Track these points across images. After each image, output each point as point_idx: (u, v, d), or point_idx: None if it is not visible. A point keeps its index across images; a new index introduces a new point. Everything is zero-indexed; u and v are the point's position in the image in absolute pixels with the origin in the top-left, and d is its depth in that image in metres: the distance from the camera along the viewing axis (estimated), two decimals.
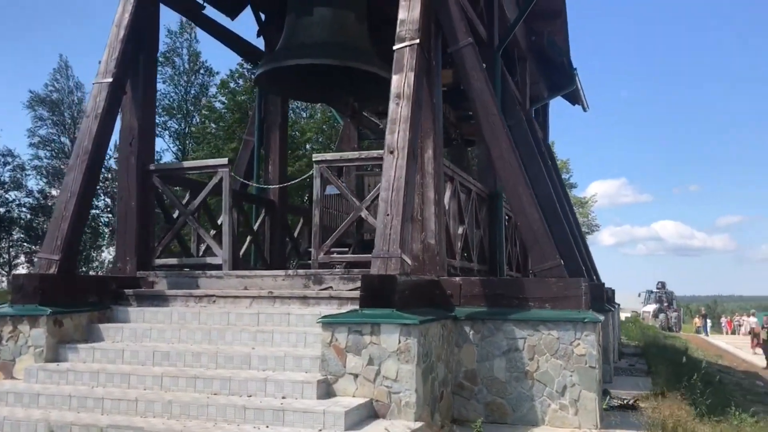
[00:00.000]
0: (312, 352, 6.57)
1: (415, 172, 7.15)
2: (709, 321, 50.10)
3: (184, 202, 9.46)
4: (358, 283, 7.68)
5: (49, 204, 56.04)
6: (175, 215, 9.70)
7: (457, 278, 7.62)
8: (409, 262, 6.73)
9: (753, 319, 32.77)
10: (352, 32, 9.82)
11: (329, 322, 6.25)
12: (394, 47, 7.47)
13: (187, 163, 9.87)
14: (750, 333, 29.66)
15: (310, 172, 8.47)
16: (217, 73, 35.86)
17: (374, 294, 6.29)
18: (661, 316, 47.73)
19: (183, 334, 7.27)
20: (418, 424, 5.79)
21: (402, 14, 7.58)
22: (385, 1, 10.89)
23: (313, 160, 8.41)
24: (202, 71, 31.12)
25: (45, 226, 57.54)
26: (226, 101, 25.79)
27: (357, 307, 7.05)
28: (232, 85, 25.86)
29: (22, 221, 57.19)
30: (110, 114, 8.33)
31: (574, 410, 6.80)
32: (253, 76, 27.22)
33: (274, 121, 12.12)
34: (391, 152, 6.94)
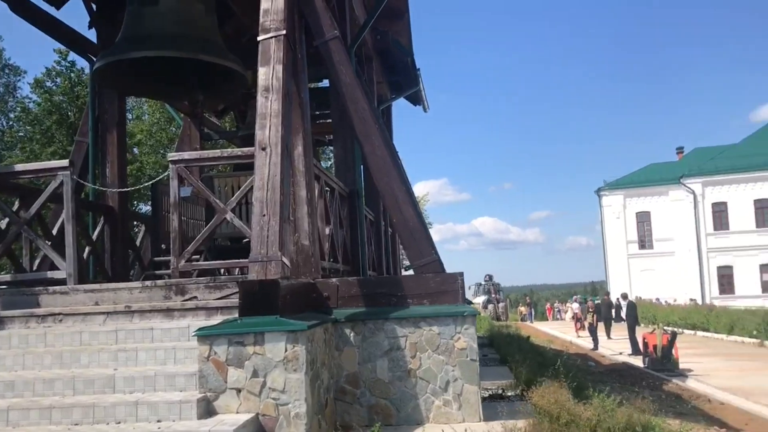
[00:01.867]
0: (185, 368, 6.01)
1: (290, 170, 6.80)
2: (532, 309, 53.89)
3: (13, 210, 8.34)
4: (226, 291, 7.24)
5: None
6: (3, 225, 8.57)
7: (334, 279, 7.36)
8: (289, 265, 6.37)
9: (576, 305, 35.55)
10: (201, 24, 9.20)
11: (206, 335, 5.74)
12: (259, 38, 7.07)
13: (20, 167, 8.72)
14: (573, 318, 32.15)
15: (166, 173, 7.80)
16: (25, 72, 32.63)
17: (255, 301, 5.86)
18: (491, 306, 50.52)
19: (28, 359, 6.37)
20: None
21: (265, 4, 7.19)
22: None
23: (169, 159, 7.75)
24: (6, 70, 28.19)
25: None
26: (41, 102, 23.45)
27: (227, 317, 6.61)
28: (48, 84, 23.58)
29: None
30: None
31: (457, 405, 6.79)
32: (74, 73, 25.11)
33: (111, 120, 11.10)
34: (263, 149, 6.54)
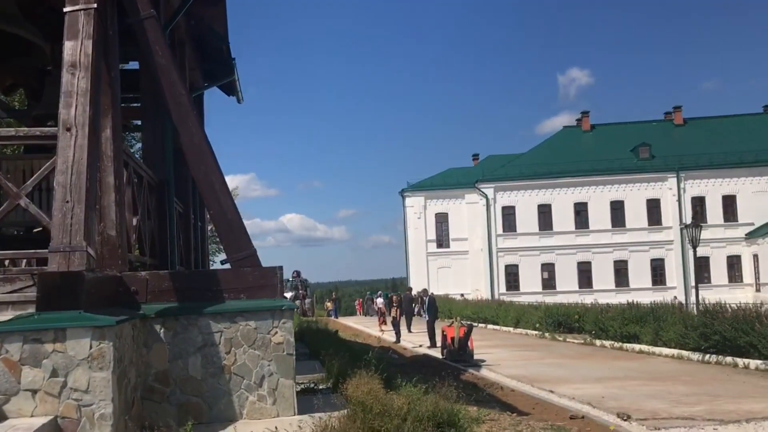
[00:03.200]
0: None
1: (98, 154, 6.32)
2: (337, 305, 54.93)
3: None
4: (18, 284, 6.57)
5: None
6: None
7: (144, 273, 6.97)
8: (94, 256, 5.92)
9: (380, 300, 36.80)
10: None
11: None
12: (66, 9, 6.48)
13: None
14: (377, 313, 33.25)
15: None
16: None
17: (56, 294, 5.38)
18: (298, 302, 50.73)
19: None
20: None
21: None
22: None
23: None
24: None
25: None
26: None
27: (19, 312, 6.01)
28: None
29: None
30: None
31: (272, 400, 6.74)
32: None
33: None
34: (68, 129, 6.03)
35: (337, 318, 46.93)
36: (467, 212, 55.10)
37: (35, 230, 10.28)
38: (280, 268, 7.12)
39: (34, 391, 5.14)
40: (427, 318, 22.19)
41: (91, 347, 5.25)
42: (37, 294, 5.43)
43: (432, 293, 25.39)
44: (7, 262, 9.20)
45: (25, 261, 9.55)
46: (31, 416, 5.10)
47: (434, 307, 22.38)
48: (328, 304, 53.60)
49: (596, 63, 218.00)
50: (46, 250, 6.57)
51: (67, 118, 6.04)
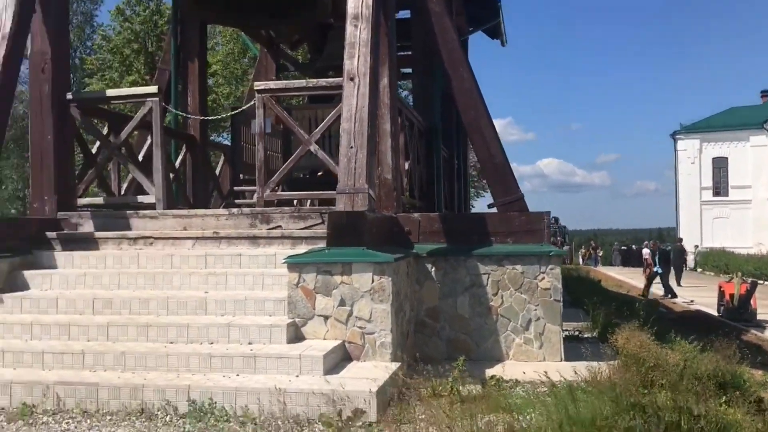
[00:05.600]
0: (273, 294, 6.15)
1: (378, 101, 6.72)
2: (598, 253, 53.03)
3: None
4: (309, 222, 7.32)
5: None
6: (94, 150, 8.87)
7: (416, 214, 7.35)
8: (374, 197, 6.37)
9: (646, 251, 34.72)
10: None
11: (296, 263, 5.83)
12: None
13: (111, 92, 8.94)
14: (644, 264, 31.41)
15: (252, 102, 7.84)
16: (102, 1, 33.08)
17: (342, 232, 5.91)
18: None
19: (123, 279, 6.63)
20: (396, 365, 5.55)
21: None
22: None
23: (255, 89, 7.77)
24: None
25: None
26: (121, 30, 23.82)
27: (312, 246, 6.70)
28: (128, 12, 23.89)
29: None
30: (20, 35, 7.31)
31: (538, 344, 6.78)
32: (152, 2, 25.30)
33: (192, 50, 11.19)
34: (352, 79, 6.46)
35: (596, 267, 45.39)
36: (752, 156, 49.00)
37: (319, 174, 11.39)
38: (548, 213, 7.03)
39: (326, 317, 5.75)
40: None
41: (372, 281, 5.70)
42: (327, 231, 6.01)
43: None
44: (295, 202, 10.35)
45: (309, 201, 10.65)
46: (324, 339, 5.71)
47: (681, 258, 21.75)
48: (583, 252, 52.02)
49: None
50: (333, 192, 7.24)
51: (351, 69, 6.48)
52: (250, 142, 12.10)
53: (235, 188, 11.91)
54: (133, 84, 22.24)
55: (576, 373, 5.35)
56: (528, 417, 4.58)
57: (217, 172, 12.43)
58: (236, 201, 12.07)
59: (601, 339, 8.10)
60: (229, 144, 15.29)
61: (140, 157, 9.19)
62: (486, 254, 6.91)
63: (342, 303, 5.73)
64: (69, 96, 7.95)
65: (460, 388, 5.34)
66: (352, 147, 6.22)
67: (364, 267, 5.71)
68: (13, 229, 7.32)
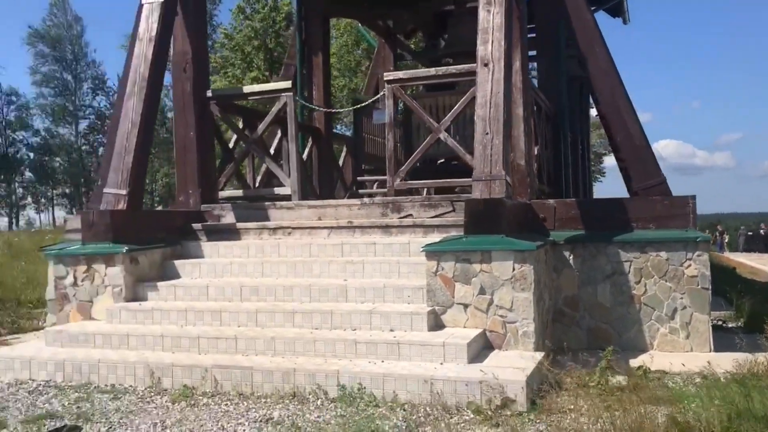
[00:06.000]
0: (411, 282, 6.21)
1: (511, 86, 6.61)
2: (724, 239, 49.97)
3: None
4: (440, 210, 7.33)
5: (56, 143, 55.68)
6: (230, 144, 9.27)
7: (551, 201, 7.18)
8: (511, 184, 6.27)
9: None
10: None
11: (434, 251, 5.85)
12: None
13: (247, 88, 9.28)
14: None
15: (381, 93, 7.92)
16: (221, 1, 34.42)
17: (480, 219, 5.85)
18: None
19: (266, 267, 6.91)
20: (540, 354, 5.46)
21: None
22: None
23: (385, 79, 7.84)
24: None
25: (53, 164, 57.31)
26: (242, 28, 24.78)
27: (444, 234, 6.70)
28: (248, 11, 24.80)
29: (29, 161, 56.91)
30: (164, 37, 7.73)
31: (685, 333, 6.47)
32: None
33: (316, 44, 11.47)
34: (486, 65, 6.38)
35: (722, 252, 42.79)
36: None
37: (439, 161, 11.37)
38: (693, 197, 6.67)
39: (465, 306, 5.73)
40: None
41: (513, 269, 5.62)
42: (464, 218, 5.97)
43: None
44: (424, 191, 10.39)
45: (425, 189, 10.62)
46: (464, 327, 5.70)
47: None
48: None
49: None
50: (464, 179, 7.21)
51: (485, 54, 6.39)
52: (372, 133, 12.28)
53: (358, 178, 12.13)
54: (255, 80, 23.09)
55: (740, 364, 5.06)
56: (689, 409, 4.38)
57: (340, 163, 12.71)
58: (359, 191, 12.29)
59: (747, 329, 7.62)
60: (350, 135, 15.55)
61: (272, 150, 9.53)
62: (627, 241, 6.65)
63: (482, 291, 5.69)
64: (209, 93, 8.35)
65: (609, 378, 5.19)
66: (487, 133, 6.15)
67: (505, 255, 5.64)
68: (164, 220, 7.78)
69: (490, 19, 6.51)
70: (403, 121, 11.48)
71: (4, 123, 55.93)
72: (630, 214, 6.79)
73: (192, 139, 8.17)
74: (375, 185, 13.86)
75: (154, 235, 7.40)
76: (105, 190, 7.19)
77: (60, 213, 59.13)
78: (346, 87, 26.30)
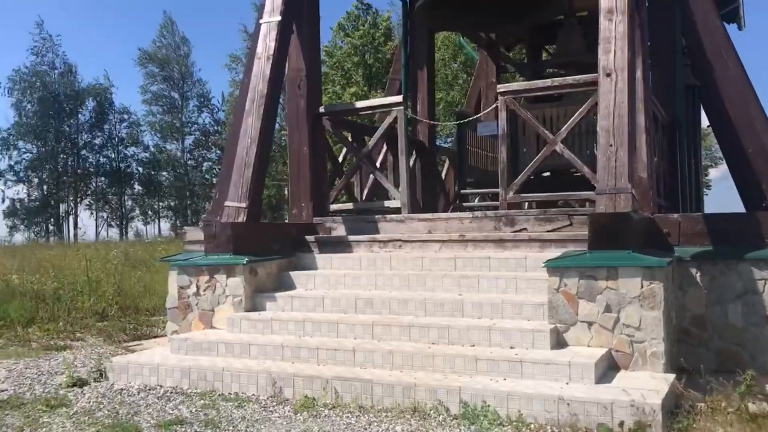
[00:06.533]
0: (530, 298, 6.07)
1: (635, 96, 6.38)
2: None
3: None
4: (556, 224, 7.14)
5: (164, 158, 58.56)
6: (340, 158, 9.42)
7: (675, 215, 6.86)
8: (637, 198, 6.04)
9: None
10: None
11: (557, 266, 5.70)
12: None
13: (359, 103, 9.48)
14: None
15: (494, 105, 7.83)
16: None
17: (605, 234, 5.66)
18: None
19: (379, 280, 6.94)
20: (671, 376, 5.20)
21: None
22: None
23: (498, 91, 7.76)
24: None
25: (162, 179, 60.27)
26: (343, 45, 25.34)
27: (562, 249, 6.53)
28: (348, 28, 25.33)
29: (140, 175, 60.09)
30: (281, 55, 7.95)
31: None
32: (370, 17, 26.57)
33: (421, 58, 11.51)
34: (608, 75, 6.18)
35: None
36: None
37: (544, 174, 11.12)
38: None
39: (590, 324, 5.54)
40: None
41: (642, 286, 5.39)
42: (589, 233, 5.79)
43: None
44: (533, 204, 10.17)
45: (527, 204, 10.39)
46: (588, 346, 5.51)
47: None
48: None
49: None
50: (585, 192, 7.01)
51: (607, 64, 6.21)
52: (475, 146, 12.21)
53: (462, 191, 12.06)
54: (354, 95, 23.46)
55: None
56: None
57: (442, 175, 12.68)
58: (463, 204, 12.22)
59: None
60: (450, 148, 15.47)
61: (377, 163, 9.62)
62: (762, 258, 6.24)
63: (607, 309, 5.49)
64: (321, 109, 8.51)
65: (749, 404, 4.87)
66: (611, 145, 5.95)
67: (632, 271, 5.42)
68: (279, 233, 7.97)
69: (612, 28, 6.31)
70: (509, 132, 11.31)
71: (117, 139, 59.31)
72: (764, 229, 6.39)
73: (305, 153, 8.35)
74: (477, 198, 13.75)
75: (270, 246, 7.58)
76: (226, 203, 7.43)
77: (165, 225, 62.14)
78: (443, 100, 26.33)
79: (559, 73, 12.75)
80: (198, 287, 7.14)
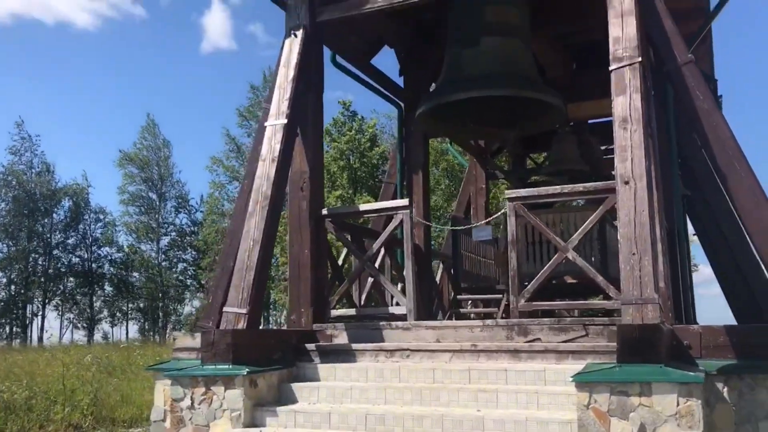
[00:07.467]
0: (552, 414, 5.70)
1: (655, 205, 6.30)
2: None
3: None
4: (571, 334, 6.88)
5: (138, 258, 57.64)
6: (340, 261, 9.16)
7: (696, 326, 6.63)
8: (663, 308, 5.82)
9: None
10: (521, 61, 9.16)
11: (585, 381, 5.37)
12: (611, 68, 6.73)
13: (364, 206, 9.33)
14: None
15: (503, 210, 7.72)
16: None
17: (635, 346, 5.40)
18: None
19: (389, 394, 6.52)
20: None
21: (615, 32, 6.85)
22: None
23: (507, 197, 7.66)
24: None
25: (133, 280, 59.09)
26: (329, 149, 25.70)
27: (578, 361, 6.27)
28: (334, 133, 25.77)
29: (111, 276, 58.91)
30: (286, 157, 7.84)
31: None
32: (355, 123, 27.10)
33: (417, 162, 11.53)
34: (626, 182, 6.12)
35: None
36: None
37: (552, 281, 10.94)
38: None
39: None
40: None
41: (678, 404, 5.09)
42: (617, 345, 5.52)
43: None
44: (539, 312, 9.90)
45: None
46: None
47: None
48: None
49: None
50: (602, 302, 6.78)
51: (624, 172, 6.16)
52: (470, 251, 12.06)
53: (458, 297, 11.81)
54: (340, 198, 23.51)
55: None
56: None
57: (438, 280, 12.45)
58: (461, 310, 11.94)
59: None
60: (443, 251, 15.31)
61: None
62: None
63: (642, 429, 5.14)
64: (324, 211, 8.33)
65: None
66: (634, 254, 5.80)
67: (668, 387, 5.13)
68: (279, 340, 7.55)
69: (628, 137, 6.32)
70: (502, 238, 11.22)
71: (90, 239, 58.52)
72: None
73: (307, 257, 8.07)
74: (469, 304, 13.48)
75: (269, 355, 7.16)
76: (225, 308, 7.07)
77: (133, 327, 60.42)
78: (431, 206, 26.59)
79: (549, 181, 12.88)
80: (192, 400, 6.63)
